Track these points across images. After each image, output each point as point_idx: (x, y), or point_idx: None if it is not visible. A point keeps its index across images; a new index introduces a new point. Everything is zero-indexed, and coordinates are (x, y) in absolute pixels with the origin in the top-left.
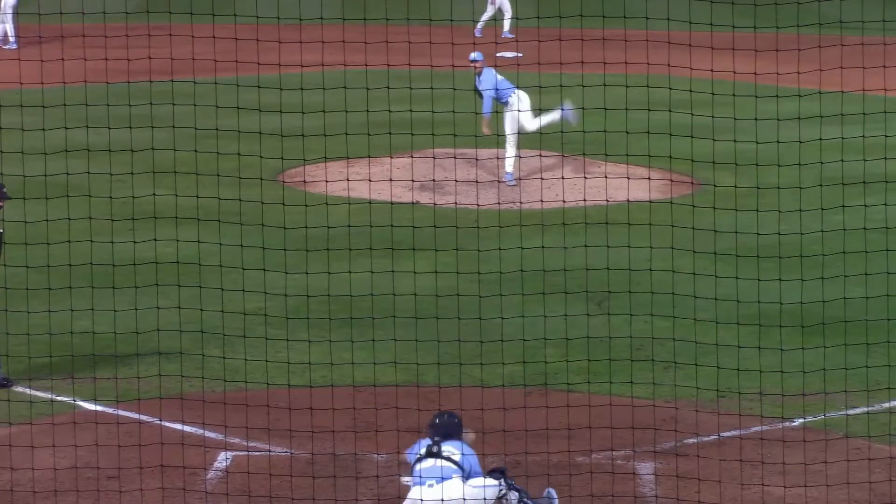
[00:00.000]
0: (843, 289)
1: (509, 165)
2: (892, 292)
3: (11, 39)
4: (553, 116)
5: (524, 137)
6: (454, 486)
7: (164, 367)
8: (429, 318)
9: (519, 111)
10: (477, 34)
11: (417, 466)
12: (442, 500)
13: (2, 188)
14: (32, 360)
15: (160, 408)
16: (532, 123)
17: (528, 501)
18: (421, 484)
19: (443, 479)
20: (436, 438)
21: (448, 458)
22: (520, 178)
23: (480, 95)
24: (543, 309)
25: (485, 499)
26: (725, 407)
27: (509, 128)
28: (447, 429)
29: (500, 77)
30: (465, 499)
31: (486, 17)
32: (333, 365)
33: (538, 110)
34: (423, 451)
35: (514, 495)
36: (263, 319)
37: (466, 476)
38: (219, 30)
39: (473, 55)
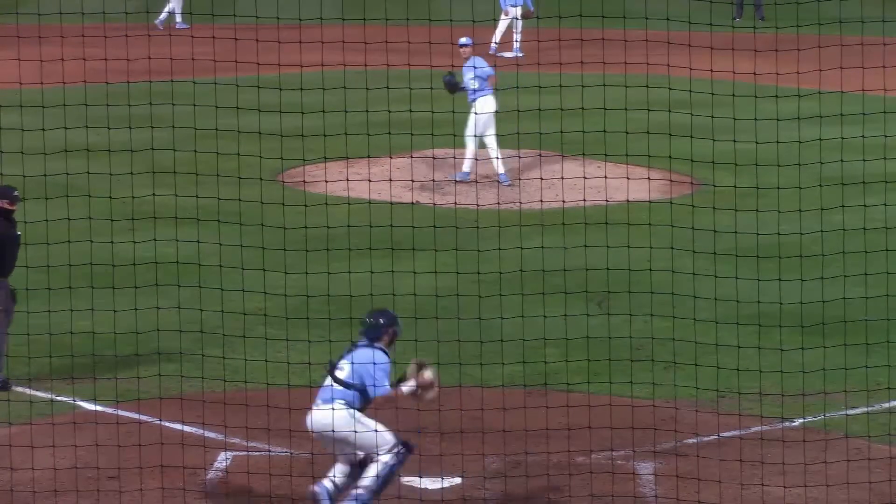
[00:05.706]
0: (843, 289)
1: (500, 166)
2: (892, 292)
3: (178, 19)
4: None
5: (523, 137)
6: (338, 413)
7: (163, 367)
8: (428, 319)
9: (476, 114)
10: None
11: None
12: (333, 423)
13: (13, 191)
14: (32, 361)
15: (160, 408)
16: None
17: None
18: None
19: (325, 400)
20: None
21: (337, 379)
22: (519, 179)
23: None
24: (543, 309)
25: (355, 430)
26: (725, 407)
27: (483, 129)
28: (367, 330)
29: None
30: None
31: (504, 36)
32: None
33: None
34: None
35: (389, 458)
36: (263, 319)
37: (360, 388)
38: (218, 30)
39: (464, 39)
